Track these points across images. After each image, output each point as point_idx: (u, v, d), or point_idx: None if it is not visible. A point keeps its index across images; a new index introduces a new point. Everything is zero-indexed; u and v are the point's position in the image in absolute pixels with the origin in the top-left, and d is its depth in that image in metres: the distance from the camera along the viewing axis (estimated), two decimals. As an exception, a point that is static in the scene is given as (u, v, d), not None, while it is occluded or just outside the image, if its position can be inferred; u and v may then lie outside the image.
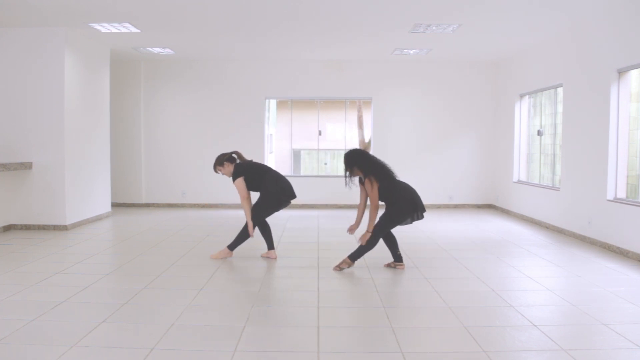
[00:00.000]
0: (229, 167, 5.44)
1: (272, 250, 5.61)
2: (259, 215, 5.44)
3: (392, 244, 5.19)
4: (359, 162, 4.93)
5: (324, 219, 8.69)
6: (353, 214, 9.11)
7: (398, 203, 4.96)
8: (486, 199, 10.21)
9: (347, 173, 4.98)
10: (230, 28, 7.35)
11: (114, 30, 7.31)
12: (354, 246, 5.81)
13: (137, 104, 10.04)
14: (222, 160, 5.43)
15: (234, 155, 5.50)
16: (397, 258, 5.20)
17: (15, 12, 6.41)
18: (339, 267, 5.08)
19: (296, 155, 17.34)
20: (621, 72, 6.09)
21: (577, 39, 7.03)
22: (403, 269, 5.18)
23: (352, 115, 16.82)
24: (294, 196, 5.50)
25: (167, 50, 8.93)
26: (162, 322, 3.58)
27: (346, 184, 4.99)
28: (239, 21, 6.95)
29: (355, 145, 17.76)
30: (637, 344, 3.25)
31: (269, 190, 5.39)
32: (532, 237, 7.11)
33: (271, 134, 16.62)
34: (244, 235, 5.45)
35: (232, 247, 5.52)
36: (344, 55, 9.51)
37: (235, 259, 5.57)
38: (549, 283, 4.74)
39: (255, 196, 5.54)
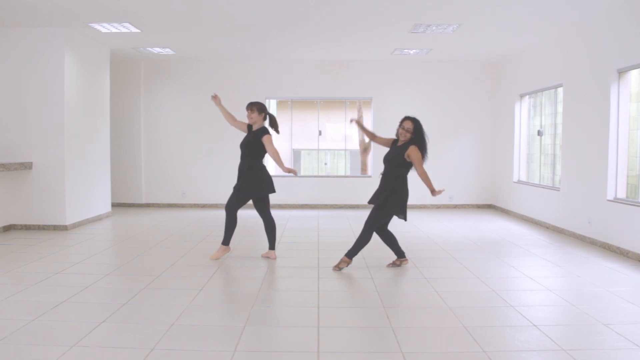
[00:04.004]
0: (260, 119, 5.43)
1: (272, 251, 5.61)
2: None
3: (392, 242, 5.20)
4: (422, 136, 4.98)
5: (324, 219, 8.69)
6: (353, 214, 9.15)
7: (399, 194, 4.95)
8: (486, 199, 10.21)
9: (402, 128, 4.95)
10: (231, 29, 7.35)
11: (114, 30, 7.31)
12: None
13: (137, 104, 10.04)
14: (263, 109, 5.43)
15: (272, 116, 5.52)
16: (400, 254, 5.21)
17: (15, 12, 6.41)
18: (338, 267, 5.08)
19: (296, 155, 17.34)
20: (621, 72, 6.09)
21: (577, 39, 7.03)
22: (407, 263, 5.21)
23: (352, 115, 16.81)
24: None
25: (167, 50, 8.93)
26: (162, 322, 3.58)
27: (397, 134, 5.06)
28: (240, 22, 6.95)
29: (355, 144, 17.76)
30: (637, 344, 3.25)
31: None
32: (532, 237, 7.11)
33: (271, 134, 16.60)
34: (229, 226, 5.41)
35: (225, 242, 5.48)
36: (344, 56, 9.51)
37: (235, 259, 5.57)
38: (549, 283, 4.74)
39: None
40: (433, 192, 4.92)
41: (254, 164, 5.37)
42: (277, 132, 5.57)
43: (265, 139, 5.32)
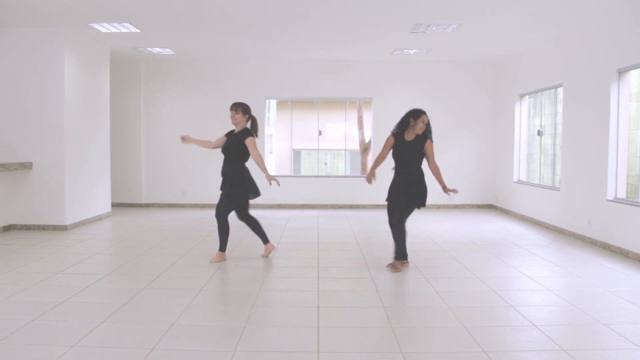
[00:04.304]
0: (244, 121, 5.32)
1: (268, 244, 5.59)
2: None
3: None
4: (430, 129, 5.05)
5: (324, 219, 8.69)
6: (353, 214, 9.14)
7: (424, 186, 5.04)
8: (486, 199, 10.21)
9: (422, 121, 4.99)
10: (231, 29, 7.35)
11: (114, 30, 7.31)
12: (355, 246, 5.80)
13: (137, 104, 10.04)
14: (247, 110, 5.33)
15: (254, 118, 5.45)
16: (404, 256, 5.22)
17: (15, 12, 6.42)
18: (397, 269, 5.05)
19: (296, 155, 17.34)
20: (621, 72, 6.09)
21: (577, 39, 7.03)
22: (408, 266, 5.21)
23: (352, 115, 16.83)
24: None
25: (167, 50, 8.93)
26: (162, 322, 3.58)
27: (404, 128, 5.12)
28: (240, 22, 6.95)
29: (355, 144, 17.77)
30: (637, 344, 3.25)
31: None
32: (532, 237, 7.11)
33: (271, 134, 16.64)
34: (223, 232, 5.36)
35: (221, 248, 5.44)
36: (344, 56, 9.51)
37: (235, 259, 5.57)
38: (549, 283, 4.74)
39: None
40: (445, 188, 4.96)
41: (237, 167, 5.27)
42: (256, 135, 5.41)
43: (248, 141, 5.20)
